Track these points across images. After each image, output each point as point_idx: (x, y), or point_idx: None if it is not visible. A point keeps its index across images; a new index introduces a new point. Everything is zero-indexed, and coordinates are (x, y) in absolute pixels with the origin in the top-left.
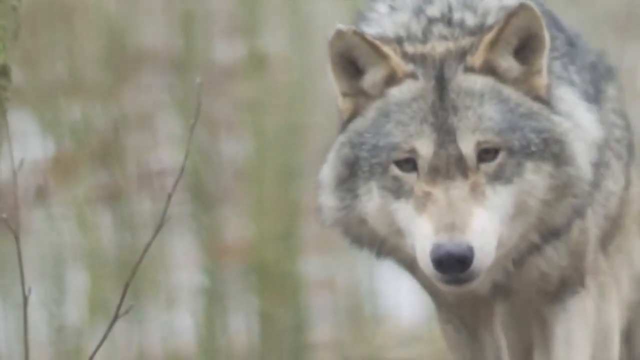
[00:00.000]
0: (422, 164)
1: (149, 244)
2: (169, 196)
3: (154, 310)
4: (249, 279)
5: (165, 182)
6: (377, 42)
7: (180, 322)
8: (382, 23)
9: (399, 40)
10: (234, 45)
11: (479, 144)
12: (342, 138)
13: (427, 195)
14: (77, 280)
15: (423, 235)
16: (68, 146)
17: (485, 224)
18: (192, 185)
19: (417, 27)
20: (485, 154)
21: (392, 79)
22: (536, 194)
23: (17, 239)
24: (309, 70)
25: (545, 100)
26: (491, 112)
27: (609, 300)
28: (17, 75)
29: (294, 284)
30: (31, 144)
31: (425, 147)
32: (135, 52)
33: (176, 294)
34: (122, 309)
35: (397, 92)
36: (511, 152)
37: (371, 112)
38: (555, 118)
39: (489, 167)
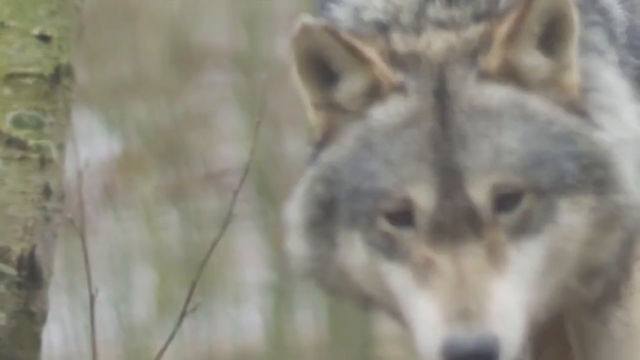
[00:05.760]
0: (422, 219)
1: (216, 241)
2: (235, 193)
3: (222, 307)
4: None
5: (231, 179)
6: (356, 43)
7: (248, 318)
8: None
9: (383, 28)
10: None
11: (496, 188)
12: (314, 171)
13: (430, 264)
14: (145, 279)
15: (428, 324)
16: (133, 145)
17: (510, 302)
18: (257, 182)
19: (409, 5)
20: (505, 200)
21: (375, 93)
22: (575, 237)
23: (82, 238)
24: None
25: (580, 109)
26: (512, 141)
27: None
28: (82, 74)
29: None
30: (97, 144)
31: (424, 197)
32: (198, 51)
33: (244, 291)
34: (190, 306)
35: (382, 115)
36: (539, 192)
37: (349, 139)
38: (596, 135)
39: (510, 217)
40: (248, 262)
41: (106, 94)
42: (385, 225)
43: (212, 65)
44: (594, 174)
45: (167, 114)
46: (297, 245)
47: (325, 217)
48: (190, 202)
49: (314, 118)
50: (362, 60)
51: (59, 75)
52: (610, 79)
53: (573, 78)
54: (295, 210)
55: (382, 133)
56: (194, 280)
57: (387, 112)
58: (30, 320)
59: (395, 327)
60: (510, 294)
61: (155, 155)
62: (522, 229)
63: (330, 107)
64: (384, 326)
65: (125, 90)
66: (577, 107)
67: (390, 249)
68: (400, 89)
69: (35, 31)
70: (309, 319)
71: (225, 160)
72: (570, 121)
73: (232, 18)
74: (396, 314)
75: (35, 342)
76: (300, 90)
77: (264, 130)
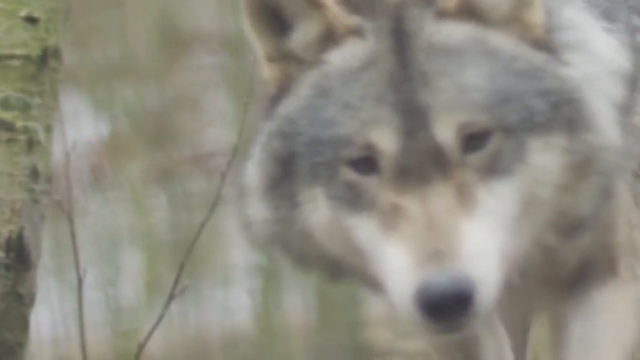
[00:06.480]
0: (386, 163)
1: (204, 223)
2: (223, 175)
3: (210, 289)
4: None
5: (219, 161)
6: None
7: (236, 300)
8: None
9: None
10: None
11: (462, 127)
12: (270, 126)
13: (397, 209)
14: (133, 261)
15: (399, 270)
16: (121, 127)
17: (483, 241)
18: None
19: None
20: (472, 139)
21: (330, 38)
22: (548, 180)
23: (70, 220)
24: None
25: (546, 45)
26: (476, 78)
27: None
28: (70, 57)
29: None
30: (84, 126)
31: (386, 140)
32: (187, 33)
33: (232, 273)
34: (178, 289)
35: (338, 60)
36: (508, 130)
37: (305, 88)
38: (563, 71)
39: (479, 157)
40: (236, 244)
41: (94, 76)
42: (348, 174)
43: (200, 48)
44: (563, 112)
45: (155, 96)
46: (256, 209)
47: (284, 175)
48: (178, 184)
49: (267, 72)
50: (315, 5)
51: (46, 57)
52: (573, 14)
53: (537, 16)
54: (252, 172)
55: (339, 78)
56: (182, 263)
57: (344, 56)
58: (18, 302)
59: (384, 311)
60: (482, 234)
61: (143, 137)
62: (492, 170)
63: (285, 58)
64: (373, 309)
65: (113, 72)
66: (543, 45)
67: (355, 201)
68: (356, 32)
69: (23, 13)
70: (298, 301)
71: (213, 142)
72: (536, 57)
73: (220, 0)
74: (365, 276)
75: (23, 324)
76: (254, 44)
77: (252, 112)
